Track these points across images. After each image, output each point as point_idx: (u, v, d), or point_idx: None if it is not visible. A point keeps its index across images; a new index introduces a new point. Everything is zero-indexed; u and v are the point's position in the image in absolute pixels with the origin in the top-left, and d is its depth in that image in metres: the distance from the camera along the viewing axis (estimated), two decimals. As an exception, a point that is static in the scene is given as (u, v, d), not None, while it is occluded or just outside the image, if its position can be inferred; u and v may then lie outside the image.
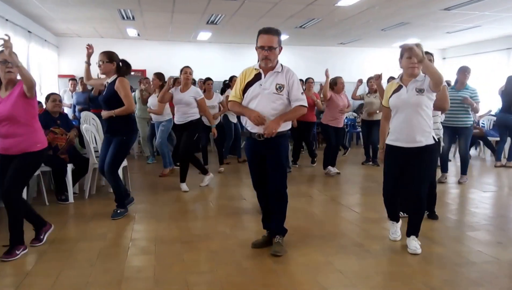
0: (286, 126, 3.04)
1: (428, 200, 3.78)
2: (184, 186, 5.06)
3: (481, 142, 8.04)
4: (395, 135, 3.13)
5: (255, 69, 3.02)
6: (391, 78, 7.13)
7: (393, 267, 2.87)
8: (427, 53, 3.65)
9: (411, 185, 3.11)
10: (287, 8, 7.27)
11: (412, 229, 3.17)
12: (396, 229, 3.39)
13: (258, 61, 3.00)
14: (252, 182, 3.19)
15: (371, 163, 7.03)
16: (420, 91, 3.00)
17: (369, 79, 7.03)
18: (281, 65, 3.02)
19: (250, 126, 3.01)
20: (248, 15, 7.75)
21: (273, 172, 3.03)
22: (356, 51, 11.83)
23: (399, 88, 3.12)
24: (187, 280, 2.63)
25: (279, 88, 2.94)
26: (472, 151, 8.29)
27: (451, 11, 7.26)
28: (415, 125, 3.02)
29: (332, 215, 4.25)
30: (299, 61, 11.59)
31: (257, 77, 2.98)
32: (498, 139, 7.24)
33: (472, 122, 5.37)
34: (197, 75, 7.57)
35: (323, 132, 6.57)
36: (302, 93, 3.02)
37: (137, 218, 3.96)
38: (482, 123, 8.39)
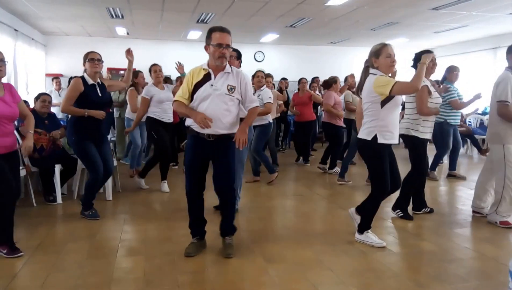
0: (234, 128, 2.94)
1: (405, 199, 3.95)
2: (165, 186, 5.03)
3: (468, 140, 8.15)
4: (391, 132, 3.07)
5: (204, 69, 2.92)
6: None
7: (382, 264, 2.90)
8: (428, 51, 3.69)
9: (395, 180, 3.21)
10: (277, 7, 7.28)
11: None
12: (375, 235, 3.24)
13: (211, 59, 2.88)
14: (189, 186, 3.04)
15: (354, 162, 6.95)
16: None
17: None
18: (230, 66, 2.96)
19: (197, 126, 2.87)
20: (238, 14, 7.74)
21: (224, 173, 2.96)
22: (347, 50, 11.88)
23: None
24: (178, 280, 2.62)
25: (231, 89, 2.89)
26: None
27: (439, 11, 7.34)
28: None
29: (322, 213, 4.28)
30: (290, 60, 11.65)
31: (207, 78, 2.88)
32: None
33: (443, 120, 5.37)
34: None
35: (341, 132, 6.30)
36: (253, 94, 3.08)
37: (127, 219, 3.94)
38: (469, 122, 8.51)
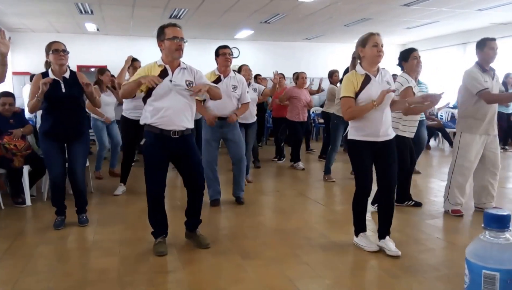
0: (192, 123, 2.99)
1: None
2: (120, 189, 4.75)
3: (440, 134, 8.40)
4: (367, 130, 2.88)
5: (159, 65, 2.91)
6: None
7: (357, 256, 2.95)
8: (413, 49, 3.89)
9: (384, 179, 2.94)
10: (251, 3, 7.27)
11: (388, 228, 3.02)
12: (369, 239, 3.07)
13: (167, 54, 2.88)
14: (153, 187, 2.95)
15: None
16: (388, 83, 2.91)
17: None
18: (182, 61, 2.98)
19: (163, 123, 2.85)
20: (212, 9, 7.69)
21: (196, 169, 3.01)
22: (321, 46, 12.01)
23: (367, 79, 2.87)
24: (154, 280, 2.58)
25: (189, 84, 2.90)
26: (432, 142, 8.65)
27: (410, 7, 7.50)
28: (389, 118, 2.94)
29: (299, 208, 4.31)
30: (265, 56, 11.67)
31: (164, 73, 2.87)
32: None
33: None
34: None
35: (289, 129, 6.53)
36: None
37: (100, 220, 3.85)
38: (441, 115, 8.76)
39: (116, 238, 3.38)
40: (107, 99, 5.40)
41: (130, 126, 4.64)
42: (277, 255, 2.97)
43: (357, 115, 2.85)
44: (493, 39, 3.72)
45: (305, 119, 6.43)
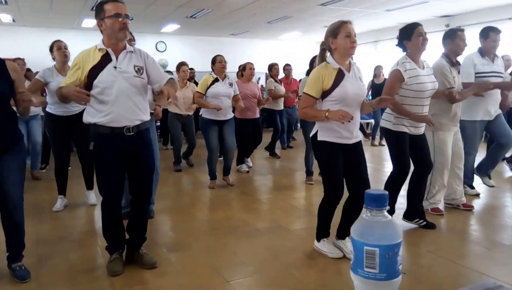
0: (148, 115, 2.57)
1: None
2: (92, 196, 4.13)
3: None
4: (337, 130, 2.58)
5: (100, 49, 2.42)
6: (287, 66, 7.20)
7: (280, 241, 3.11)
8: (417, 24, 3.11)
9: (357, 182, 2.67)
10: (175, -3, 7.23)
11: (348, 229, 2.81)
12: (332, 245, 2.84)
13: (109, 35, 2.41)
14: (109, 196, 2.53)
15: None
16: (361, 80, 2.64)
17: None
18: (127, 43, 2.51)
19: (112, 119, 2.39)
20: (136, 1, 7.47)
21: (148, 174, 2.60)
22: (247, 42, 12.22)
23: (341, 74, 2.54)
24: (74, 280, 2.52)
25: (138, 70, 2.46)
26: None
27: (327, 7, 7.97)
28: (358, 118, 2.67)
29: (224, 200, 4.41)
30: (192, 51, 11.58)
31: (106, 59, 2.40)
32: (369, 121, 8.31)
33: None
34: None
35: (236, 128, 5.66)
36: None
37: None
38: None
39: (33, 238, 3.05)
40: None
41: (57, 124, 3.86)
42: (204, 246, 3.03)
43: (309, 119, 2.72)
44: (462, 30, 3.56)
45: (256, 116, 5.62)
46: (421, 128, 3.17)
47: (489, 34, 3.85)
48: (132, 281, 2.50)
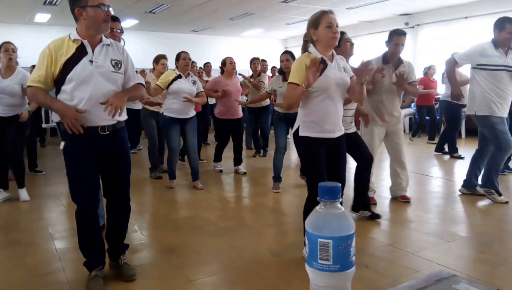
0: (125, 114, 2.38)
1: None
2: (23, 194, 4.16)
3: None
4: (324, 126, 2.50)
5: (74, 40, 2.20)
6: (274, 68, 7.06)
7: (244, 239, 3.10)
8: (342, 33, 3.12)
9: (336, 177, 2.59)
10: (133, -8, 7.02)
11: None
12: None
13: (89, 26, 2.20)
14: (83, 202, 2.29)
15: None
16: (345, 70, 2.57)
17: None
18: (104, 36, 2.31)
19: (86, 118, 2.20)
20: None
21: (124, 176, 2.42)
22: (209, 39, 12.11)
23: (324, 64, 2.45)
24: (30, 285, 2.40)
25: (116, 64, 2.28)
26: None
27: (289, 4, 8.03)
28: (341, 111, 2.59)
29: (188, 199, 4.35)
30: (152, 47, 11.30)
31: (81, 52, 2.19)
32: None
33: None
34: (35, 61, 6.76)
35: (216, 127, 5.53)
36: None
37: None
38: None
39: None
40: (5, 84, 4.11)
41: None
42: (165, 246, 2.97)
43: (295, 101, 2.48)
44: (404, 34, 3.64)
45: (237, 116, 5.25)
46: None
47: (505, 25, 3.60)
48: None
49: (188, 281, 2.42)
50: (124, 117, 2.37)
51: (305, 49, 2.59)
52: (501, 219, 3.49)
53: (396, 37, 3.58)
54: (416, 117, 7.44)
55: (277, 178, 4.50)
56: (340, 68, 2.54)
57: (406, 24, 9.79)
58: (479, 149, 4.01)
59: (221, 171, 5.53)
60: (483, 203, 3.89)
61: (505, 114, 3.72)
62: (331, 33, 2.41)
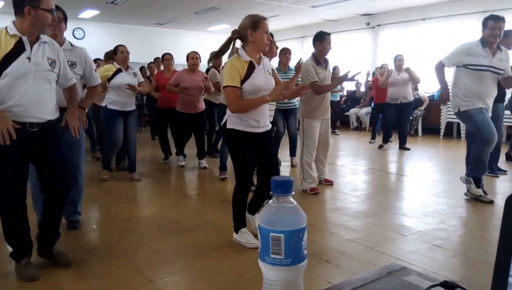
0: (57, 112, 2.41)
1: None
2: None
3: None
4: (251, 122, 2.71)
5: (13, 35, 2.18)
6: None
7: (208, 237, 3.06)
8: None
9: (269, 170, 2.80)
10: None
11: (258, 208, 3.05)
12: (250, 235, 2.87)
13: (32, 25, 2.18)
14: (11, 197, 2.28)
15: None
16: (269, 73, 2.77)
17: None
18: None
19: (16, 113, 2.19)
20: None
21: (61, 171, 2.43)
22: (173, 33, 11.90)
23: (251, 67, 2.64)
24: None
25: (52, 63, 2.30)
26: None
27: (255, 0, 8.02)
28: (266, 109, 2.80)
29: (149, 197, 4.27)
30: (114, 39, 10.86)
31: (20, 47, 2.18)
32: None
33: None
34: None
35: (177, 120, 5.46)
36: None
37: None
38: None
39: None
40: None
41: None
42: (125, 246, 2.88)
43: (248, 109, 2.64)
44: (329, 34, 4.14)
45: (197, 111, 5.29)
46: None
47: (487, 21, 3.59)
48: (48, 286, 2.30)
49: (148, 282, 2.36)
50: (55, 115, 2.39)
51: (233, 45, 2.74)
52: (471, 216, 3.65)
53: (327, 37, 4.13)
54: (381, 115, 7.54)
55: (222, 167, 4.80)
56: (265, 71, 2.72)
57: (368, 24, 10.03)
58: (468, 149, 4.15)
59: (183, 166, 5.53)
60: (455, 200, 4.05)
61: (485, 106, 3.71)
62: (267, 39, 2.61)
